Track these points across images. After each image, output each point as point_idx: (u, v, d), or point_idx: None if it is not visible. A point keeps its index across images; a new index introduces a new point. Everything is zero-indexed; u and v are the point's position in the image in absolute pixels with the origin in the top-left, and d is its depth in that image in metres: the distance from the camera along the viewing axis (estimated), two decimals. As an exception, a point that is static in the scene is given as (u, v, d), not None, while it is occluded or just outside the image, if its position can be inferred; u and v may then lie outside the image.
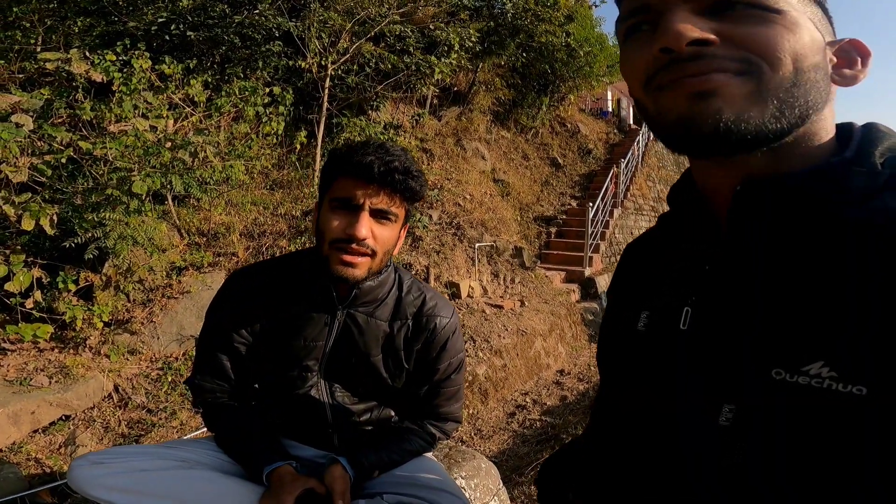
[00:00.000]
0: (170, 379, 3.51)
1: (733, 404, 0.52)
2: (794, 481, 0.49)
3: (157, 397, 3.39)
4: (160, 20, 5.78)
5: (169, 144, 4.16)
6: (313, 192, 5.69)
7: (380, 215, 1.17)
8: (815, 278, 0.50)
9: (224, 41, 5.86)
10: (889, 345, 0.44)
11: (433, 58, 7.32)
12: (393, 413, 1.38)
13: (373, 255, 1.17)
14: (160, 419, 3.17)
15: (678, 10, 0.52)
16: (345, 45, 6.56)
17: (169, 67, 4.68)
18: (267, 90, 5.20)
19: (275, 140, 5.41)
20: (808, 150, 0.56)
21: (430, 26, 7.83)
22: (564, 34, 10.46)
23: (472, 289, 6.65)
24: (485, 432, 4.32)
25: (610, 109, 17.30)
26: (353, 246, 1.13)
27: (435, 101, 9.52)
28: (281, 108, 5.33)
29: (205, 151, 4.18)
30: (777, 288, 0.52)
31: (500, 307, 6.47)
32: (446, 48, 7.67)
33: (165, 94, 4.55)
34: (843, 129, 0.60)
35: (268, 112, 5.19)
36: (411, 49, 7.23)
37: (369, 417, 1.33)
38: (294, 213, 5.12)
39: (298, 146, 5.77)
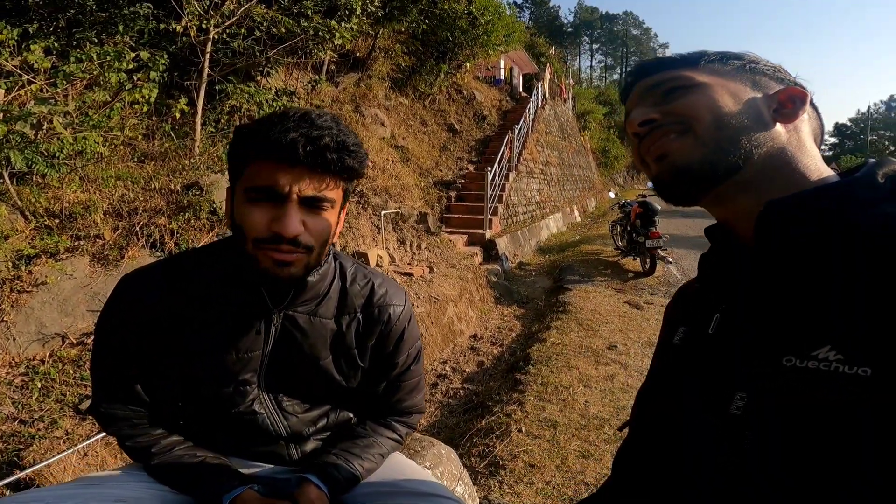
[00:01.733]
0: (39, 385, 2.86)
1: (745, 392, 0.55)
2: (793, 465, 0.50)
3: (28, 406, 2.77)
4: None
5: (0, 116, 3.15)
6: (194, 162, 4.80)
7: (312, 203, 0.94)
8: (822, 273, 0.54)
9: (73, 4, 4.66)
10: (889, 328, 0.47)
11: (333, 22, 6.44)
12: (351, 414, 1.21)
13: (309, 250, 0.95)
14: (39, 430, 2.62)
15: (636, 108, 0.72)
16: (231, 8, 5.53)
17: (0, 33, 3.54)
18: (133, 55, 4.15)
19: (146, 108, 4.37)
20: (791, 183, 0.64)
21: (331, -12, 6.90)
22: (466, 1, 9.92)
23: (381, 257, 6.23)
24: None
25: (503, 77, 17.07)
26: (283, 245, 0.91)
27: (332, 67, 8.65)
28: (153, 74, 4.30)
29: (50, 122, 3.19)
30: (788, 284, 0.57)
31: (410, 275, 6.12)
32: (347, 12, 6.81)
33: (-1, 63, 3.43)
34: (861, 164, 0.66)
35: (135, 79, 4.16)
36: (309, 12, 6.29)
37: (325, 423, 1.16)
38: (173, 186, 4.20)
39: (178, 114, 4.74)
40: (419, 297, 5.46)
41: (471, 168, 10.69)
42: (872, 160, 0.66)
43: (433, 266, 6.69)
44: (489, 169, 9.23)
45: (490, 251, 8.57)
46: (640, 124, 0.70)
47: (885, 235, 0.52)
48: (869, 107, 53.75)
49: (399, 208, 7.24)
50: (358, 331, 1.13)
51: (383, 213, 6.77)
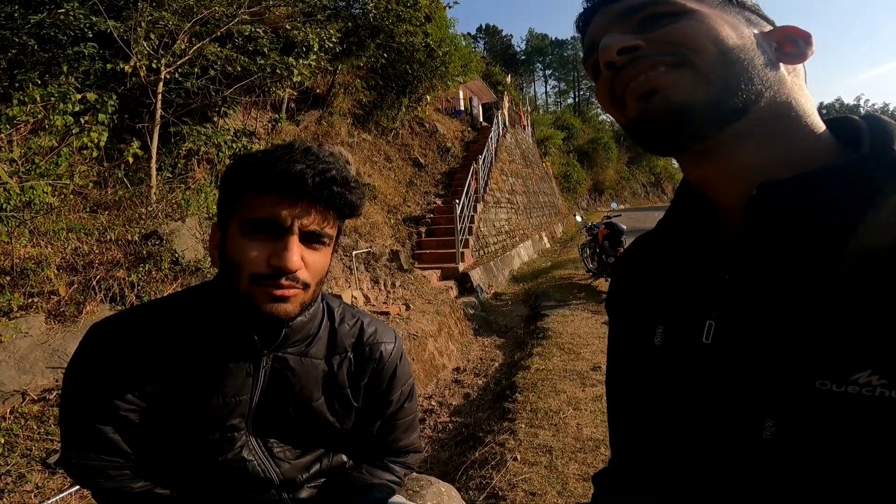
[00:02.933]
0: (2, 440, 2.80)
1: (776, 417, 0.50)
2: (857, 490, 0.45)
3: None
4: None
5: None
6: (152, 210, 4.67)
7: (312, 239, 0.94)
8: (854, 284, 0.47)
9: (13, 44, 4.58)
10: None
11: (291, 59, 6.50)
12: (345, 457, 1.18)
13: (305, 287, 0.94)
14: (7, 484, 2.59)
15: (609, 35, 0.58)
16: (182, 47, 5.52)
17: None
18: (79, 96, 4.04)
19: (95, 153, 4.24)
20: (801, 141, 0.56)
21: (287, 26, 6.99)
22: (423, 34, 10.22)
23: (355, 298, 6.23)
24: None
25: (463, 108, 17.48)
26: (283, 280, 0.90)
27: (292, 105, 8.69)
28: (101, 117, 4.19)
29: (-5, 172, 3.07)
30: (811, 296, 0.49)
31: (387, 314, 6.10)
32: (305, 49, 6.89)
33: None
34: (846, 124, 0.59)
35: (82, 122, 4.05)
36: (265, 50, 6.34)
37: (319, 468, 1.12)
38: (130, 237, 4.06)
39: (131, 159, 4.61)
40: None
41: (439, 202, 10.77)
42: (862, 120, 0.58)
43: (409, 303, 6.65)
44: (457, 202, 9.32)
45: (465, 284, 8.57)
46: (618, 52, 0.56)
47: None
48: (833, 103, 55.61)
49: (370, 247, 7.23)
50: (350, 370, 1.12)
51: (354, 253, 6.74)
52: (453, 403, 4.69)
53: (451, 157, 13.20)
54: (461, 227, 9.26)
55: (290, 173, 0.88)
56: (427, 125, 13.44)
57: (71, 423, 1.03)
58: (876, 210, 0.49)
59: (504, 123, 16.55)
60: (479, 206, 11.17)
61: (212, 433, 1.01)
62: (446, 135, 13.88)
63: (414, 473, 1.88)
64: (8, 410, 2.97)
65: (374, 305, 6.37)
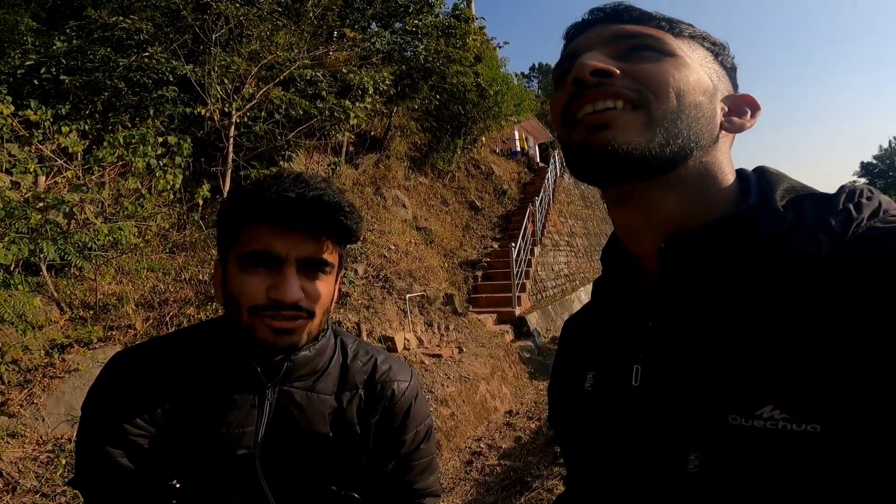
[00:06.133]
0: (64, 462, 3.18)
1: (698, 452, 0.54)
2: None
3: (51, 481, 3.07)
4: (28, 63, 4.92)
5: (40, 204, 3.38)
6: (224, 252, 4.98)
7: (311, 267, 0.95)
8: (747, 325, 0.53)
9: (107, 86, 5.09)
10: (836, 383, 0.47)
11: (347, 102, 6.90)
12: (357, 496, 1.15)
13: (310, 315, 0.95)
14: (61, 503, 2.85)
15: (592, 52, 0.61)
16: (250, 91, 6.00)
17: (35, 113, 3.85)
18: (160, 140, 4.44)
19: (172, 196, 4.61)
20: (715, 195, 0.61)
21: (343, 70, 7.45)
22: (474, 74, 10.56)
23: (408, 341, 6.33)
24: (445, 485, 4.07)
25: (519, 149, 17.72)
26: (284, 312, 0.91)
27: (351, 149, 9.13)
28: (178, 160, 4.57)
29: (84, 212, 3.40)
30: (719, 337, 0.55)
31: (439, 356, 6.20)
32: (360, 92, 7.31)
33: (32, 145, 3.72)
34: (740, 175, 0.65)
35: (161, 164, 4.43)
36: (324, 94, 6.77)
37: None
38: (201, 277, 4.38)
39: (201, 202, 4.98)
40: (449, 378, 5.53)
41: (495, 245, 10.88)
42: (752, 172, 0.64)
43: (462, 346, 6.72)
44: (513, 245, 9.39)
45: (521, 328, 8.57)
46: (592, 73, 0.58)
47: (804, 280, 0.52)
48: (890, 141, 52.20)
49: (424, 291, 7.36)
50: (360, 407, 1.12)
51: (408, 296, 6.90)
52: (503, 447, 4.69)
53: (508, 199, 13.34)
54: (518, 271, 9.30)
55: (281, 203, 0.89)
56: (483, 167, 13.71)
57: (83, 445, 1.06)
58: (752, 259, 0.55)
59: (561, 163, 16.64)
60: (537, 250, 11.17)
61: (217, 462, 1.03)
62: (502, 176, 14.09)
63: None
64: (75, 434, 3.17)
65: (426, 348, 6.47)
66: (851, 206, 0.55)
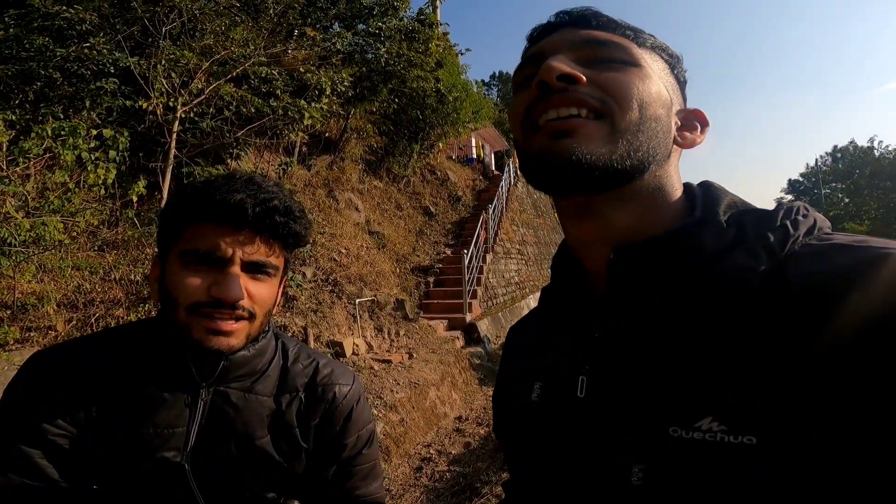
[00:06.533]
0: None
1: (642, 464, 0.53)
2: None
3: None
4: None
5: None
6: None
7: (255, 269, 0.94)
8: (690, 338, 0.54)
9: (40, 76, 4.81)
10: (771, 395, 0.47)
11: (303, 102, 6.76)
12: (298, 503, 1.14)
13: (251, 317, 0.95)
14: None
15: (559, 56, 0.60)
16: (199, 86, 5.77)
17: None
18: (94, 132, 4.19)
19: (103, 192, 4.33)
20: (664, 209, 0.62)
21: (301, 69, 7.30)
22: (435, 80, 10.58)
23: (357, 346, 6.25)
24: (394, 491, 4.03)
25: (475, 156, 17.83)
26: (224, 311, 0.90)
27: (304, 149, 8.96)
28: (112, 154, 4.31)
29: (4, 205, 3.18)
30: (660, 349, 0.55)
31: (389, 361, 6.15)
32: (317, 92, 7.19)
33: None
34: (686, 189, 0.66)
35: (93, 158, 4.17)
36: (279, 92, 6.61)
37: None
38: (133, 277, 4.16)
39: (135, 198, 4.70)
40: (398, 383, 5.48)
41: (448, 252, 10.89)
42: (698, 186, 0.66)
43: (413, 352, 6.68)
44: (466, 252, 9.44)
45: (472, 334, 8.59)
46: (559, 77, 0.57)
47: (743, 294, 0.52)
48: (816, 160, 54.55)
49: (375, 296, 7.28)
50: (300, 410, 1.10)
51: (358, 301, 6.80)
52: (453, 452, 4.71)
53: (462, 205, 13.41)
54: (469, 278, 9.34)
55: (230, 203, 0.89)
56: (439, 173, 13.73)
57: None
58: (696, 270, 0.56)
59: (515, 172, 16.85)
60: (489, 257, 11.25)
61: (142, 463, 0.99)
62: (458, 183, 14.15)
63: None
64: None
65: (376, 353, 6.41)
66: (789, 223, 0.56)
